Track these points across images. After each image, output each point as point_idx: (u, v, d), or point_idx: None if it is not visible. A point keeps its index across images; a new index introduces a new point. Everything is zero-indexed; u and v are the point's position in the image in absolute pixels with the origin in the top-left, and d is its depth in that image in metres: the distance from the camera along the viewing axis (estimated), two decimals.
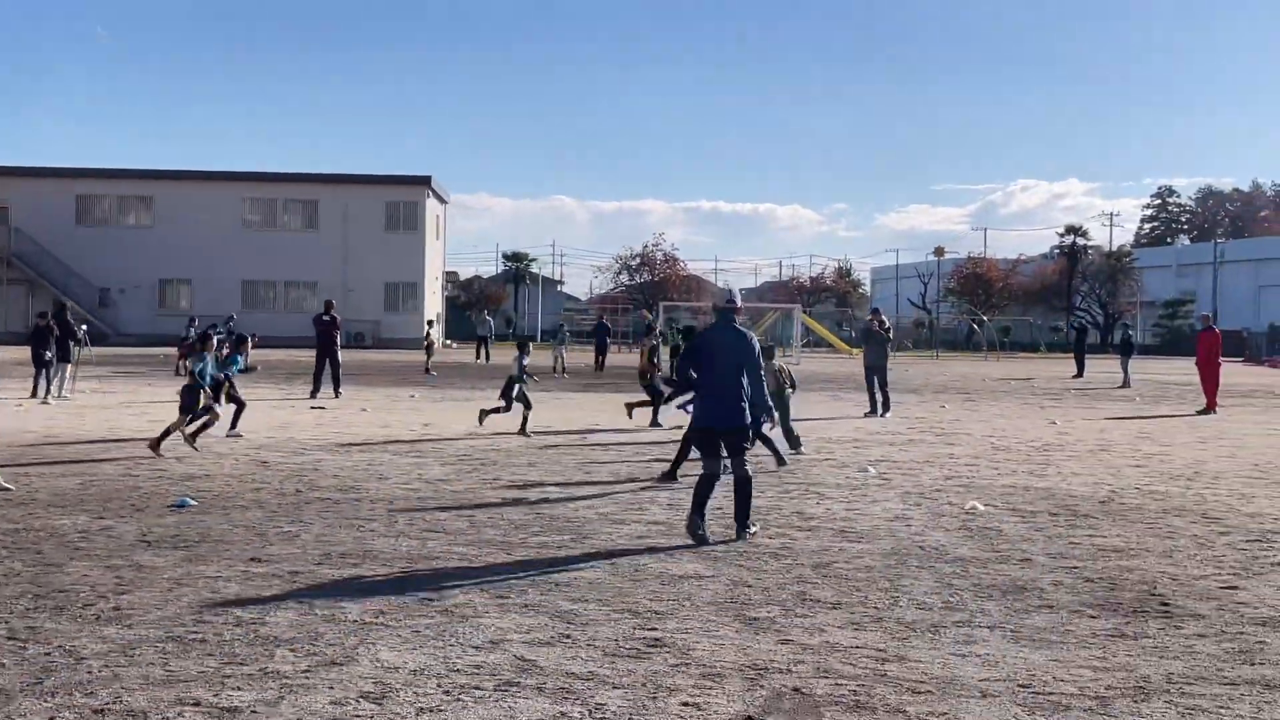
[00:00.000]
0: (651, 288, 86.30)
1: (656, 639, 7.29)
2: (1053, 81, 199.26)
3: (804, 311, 70.29)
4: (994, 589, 8.87)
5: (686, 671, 6.64)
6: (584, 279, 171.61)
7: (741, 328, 10.67)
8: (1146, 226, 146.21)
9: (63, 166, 68.20)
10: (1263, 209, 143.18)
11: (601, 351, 44.54)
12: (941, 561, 9.83)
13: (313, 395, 26.45)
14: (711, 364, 10.50)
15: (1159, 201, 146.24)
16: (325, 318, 27.34)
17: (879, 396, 25.07)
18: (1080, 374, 45.04)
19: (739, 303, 10.74)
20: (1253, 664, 7.03)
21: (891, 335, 26.64)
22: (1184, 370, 54.39)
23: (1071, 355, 49.13)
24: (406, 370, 40.21)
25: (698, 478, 10.58)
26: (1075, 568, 9.68)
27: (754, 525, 10.68)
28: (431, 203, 70.83)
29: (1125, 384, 37.90)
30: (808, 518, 11.88)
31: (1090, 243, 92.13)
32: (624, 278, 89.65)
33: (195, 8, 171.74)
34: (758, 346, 10.62)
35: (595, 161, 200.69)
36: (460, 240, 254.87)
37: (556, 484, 13.98)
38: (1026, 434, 21.45)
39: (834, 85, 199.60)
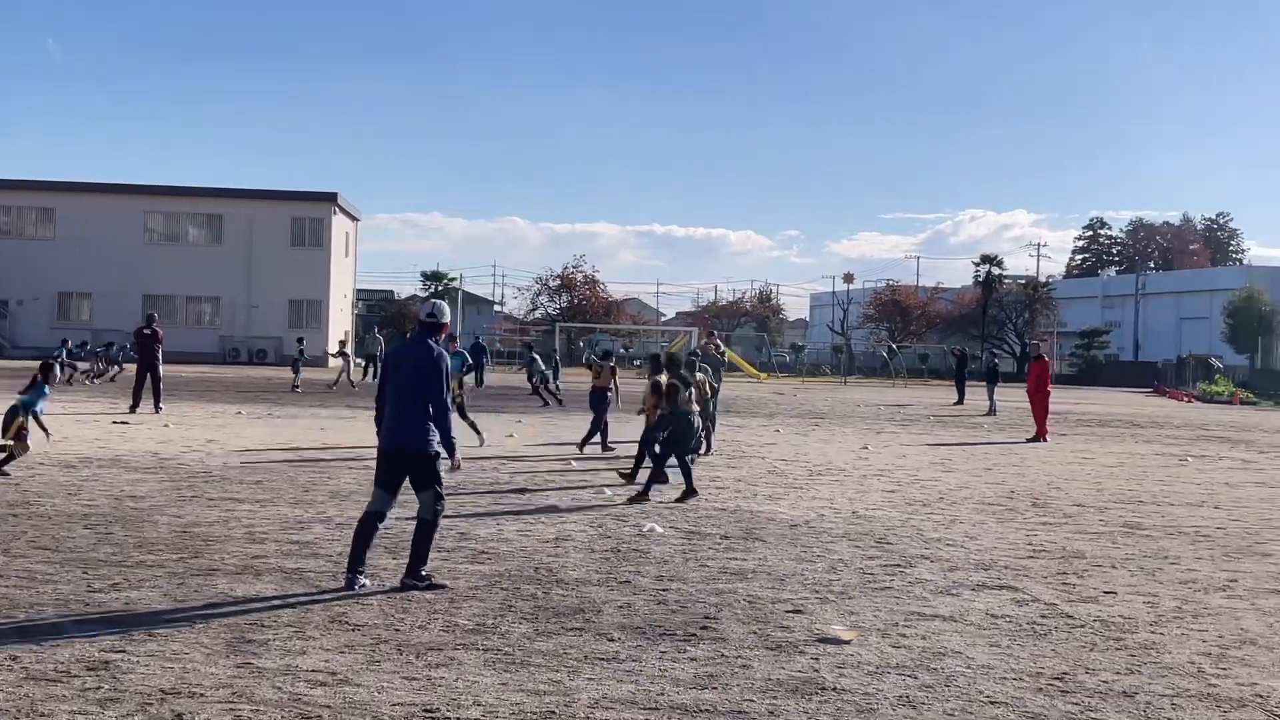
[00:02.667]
0: (571, 311, 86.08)
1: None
2: (1002, 114, 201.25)
3: (713, 335, 70.00)
4: (548, 610, 8.67)
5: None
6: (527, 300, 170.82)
7: (435, 344, 9.53)
8: (1078, 258, 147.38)
9: None
10: (1192, 242, 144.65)
11: (478, 369, 44.89)
12: (534, 583, 9.63)
13: (131, 410, 26.00)
14: (395, 381, 9.50)
15: (1090, 233, 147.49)
16: (146, 331, 26.94)
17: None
18: (960, 401, 45.14)
19: (442, 319, 9.65)
20: (712, 689, 6.85)
21: (725, 358, 26.48)
22: (1083, 400, 54.73)
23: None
24: (274, 388, 39.73)
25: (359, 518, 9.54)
26: (665, 590, 9.50)
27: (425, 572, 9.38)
28: (340, 219, 70.31)
29: (991, 411, 37.96)
30: (467, 538, 11.64)
31: (1006, 272, 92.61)
32: (543, 299, 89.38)
33: (98, 18, 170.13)
34: (446, 366, 9.49)
35: (548, 184, 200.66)
36: (402, 258, 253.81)
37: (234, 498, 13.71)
38: (824, 458, 21.34)
39: (786, 113, 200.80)
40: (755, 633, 8.24)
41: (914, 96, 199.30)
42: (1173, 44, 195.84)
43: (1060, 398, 56.74)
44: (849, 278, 76.91)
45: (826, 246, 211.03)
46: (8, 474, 14.82)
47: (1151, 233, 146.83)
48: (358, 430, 22.73)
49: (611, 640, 7.86)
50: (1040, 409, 28.07)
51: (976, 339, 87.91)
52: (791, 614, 8.86)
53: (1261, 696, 7.10)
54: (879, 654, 7.74)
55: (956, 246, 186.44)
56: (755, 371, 72.60)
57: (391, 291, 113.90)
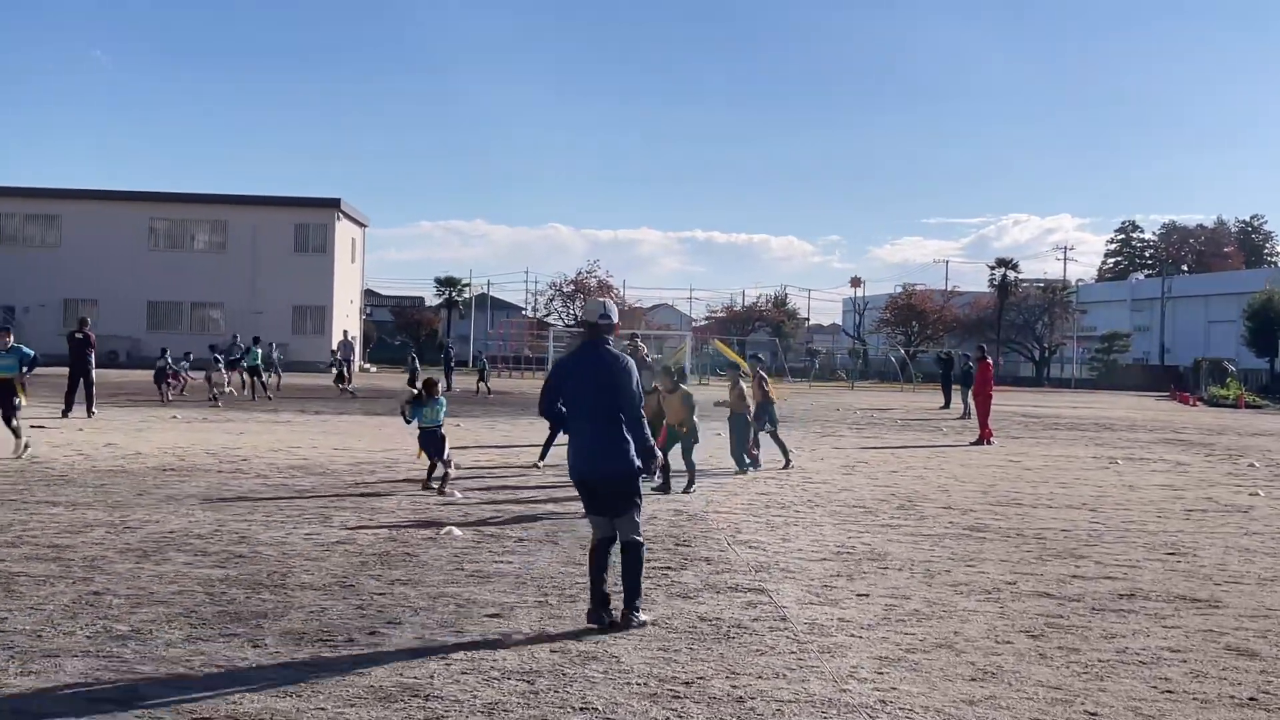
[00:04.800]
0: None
1: None
2: (1047, 116, 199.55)
3: (719, 340, 69.84)
4: (228, 616, 8.40)
5: None
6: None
7: (615, 350, 8.69)
8: (1110, 261, 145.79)
9: None
10: (1226, 245, 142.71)
11: (447, 373, 45.95)
12: (251, 588, 9.36)
13: (63, 414, 25.98)
14: (576, 398, 8.55)
15: (1122, 236, 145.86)
16: (78, 335, 26.92)
17: None
18: (947, 405, 44.51)
19: (614, 318, 8.77)
20: (295, 696, 6.56)
21: (650, 363, 26.08)
22: (1083, 404, 54.02)
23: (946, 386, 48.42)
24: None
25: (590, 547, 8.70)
26: (384, 594, 9.21)
27: (641, 611, 8.44)
28: (344, 225, 70.47)
29: (966, 414, 37.38)
30: (243, 539, 11.41)
31: (1026, 276, 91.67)
32: (556, 304, 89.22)
33: (105, 28, 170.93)
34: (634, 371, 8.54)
35: (591, 191, 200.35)
36: (443, 265, 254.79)
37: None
38: (730, 463, 20.95)
39: (828, 116, 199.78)
40: (419, 637, 7.95)
41: (955, 101, 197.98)
42: (1213, 44, 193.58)
43: (1058, 401, 56.14)
44: (856, 281, 76.21)
45: (869, 252, 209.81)
46: None
47: (1184, 236, 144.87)
48: (278, 434, 22.60)
49: (256, 647, 7.58)
50: (983, 411, 27.61)
51: (994, 342, 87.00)
52: (490, 618, 8.54)
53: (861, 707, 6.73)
54: (525, 661, 7.41)
55: (1000, 251, 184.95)
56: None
57: (422, 298, 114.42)
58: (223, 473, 16.81)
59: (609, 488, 8.42)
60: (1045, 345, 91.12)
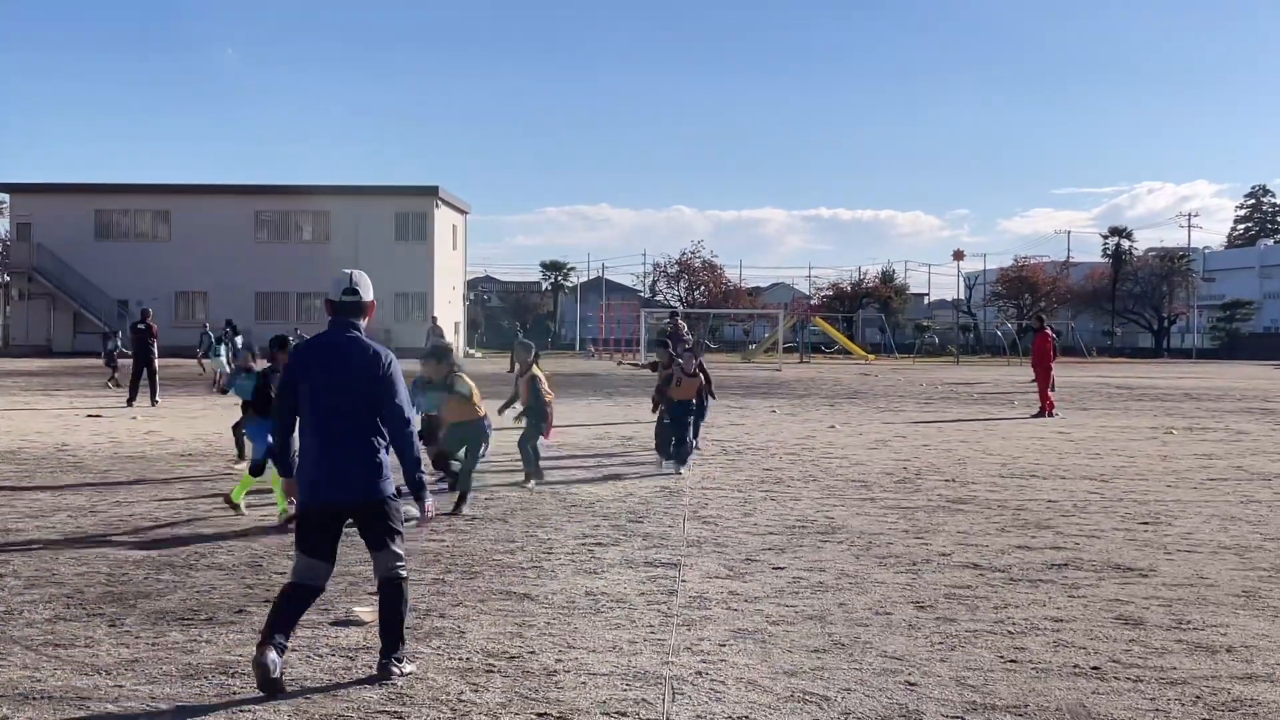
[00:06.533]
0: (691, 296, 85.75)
1: None
2: (1180, 83, 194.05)
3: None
4: (108, 596, 8.50)
5: None
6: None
7: (366, 339, 6.66)
8: (1240, 227, 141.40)
9: (82, 182, 69.88)
10: None
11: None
12: (145, 568, 9.47)
13: (128, 403, 26.63)
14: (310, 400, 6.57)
15: (1253, 202, 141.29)
16: (140, 326, 27.55)
17: None
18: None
19: (365, 295, 6.68)
20: (115, 674, 6.60)
21: (690, 341, 25.88)
22: (1188, 375, 52.53)
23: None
24: None
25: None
26: (272, 576, 9.24)
27: (406, 661, 6.60)
28: (444, 212, 71.15)
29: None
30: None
31: (1143, 245, 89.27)
32: (661, 285, 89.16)
33: (210, 24, 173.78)
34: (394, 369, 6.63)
35: (716, 171, 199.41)
36: (565, 250, 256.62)
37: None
38: (759, 438, 20.80)
39: (955, 88, 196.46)
40: (239, 615, 7.95)
41: (1084, 69, 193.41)
42: None
43: (1167, 373, 54.58)
44: (959, 255, 74.77)
45: (998, 225, 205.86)
46: None
47: None
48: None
49: (113, 626, 7.61)
50: (1042, 382, 26.98)
51: (1108, 313, 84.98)
52: (371, 594, 8.49)
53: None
54: (369, 638, 7.35)
55: (1133, 220, 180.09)
56: (863, 352, 71.34)
57: (538, 283, 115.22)
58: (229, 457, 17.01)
59: (358, 517, 6.57)
60: (1164, 315, 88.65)
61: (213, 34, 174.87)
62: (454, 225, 74.60)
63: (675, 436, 16.07)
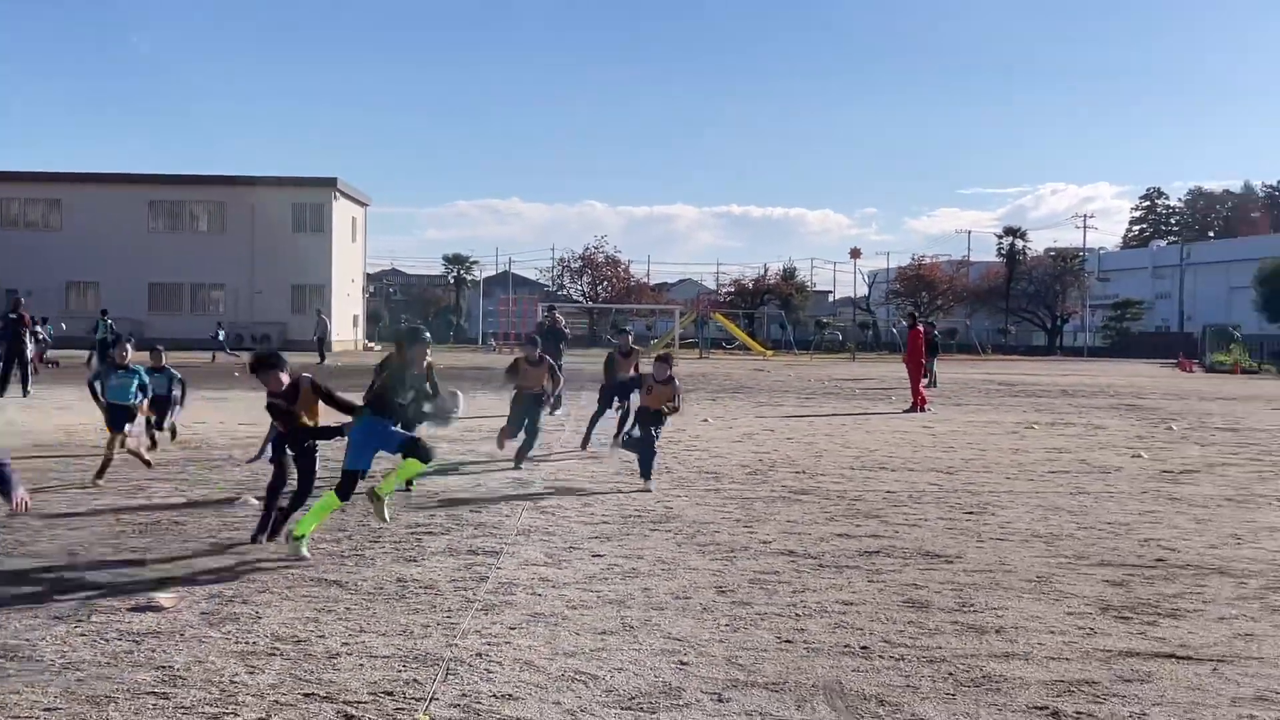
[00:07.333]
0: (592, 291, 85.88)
1: None
2: (1080, 85, 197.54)
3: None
4: None
5: None
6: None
7: None
8: (1136, 228, 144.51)
9: None
10: (1254, 210, 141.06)
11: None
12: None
13: None
14: None
15: (1148, 204, 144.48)
16: (11, 315, 27.15)
17: None
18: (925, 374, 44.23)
19: None
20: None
21: (569, 334, 26.10)
22: (1073, 372, 53.61)
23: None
24: (217, 371, 39.97)
25: None
26: (119, 559, 9.26)
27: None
28: (343, 204, 70.72)
29: (931, 383, 37.18)
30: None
31: (1039, 245, 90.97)
32: (565, 279, 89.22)
33: (107, 10, 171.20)
34: None
35: (627, 167, 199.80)
36: (475, 244, 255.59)
37: None
38: None
39: (861, 88, 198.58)
40: (102, 588, 8.00)
41: (990, 71, 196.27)
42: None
43: (1053, 370, 55.65)
44: (855, 253, 75.63)
45: (905, 224, 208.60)
46: None
47: (1211, 201, 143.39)
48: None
49: None
50: (914, 378, 27.53)
51: (1003, 311, 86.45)
52: (172, 579, 8.55)
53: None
54: (161, 623, 7.41)
55: (1037, 220, 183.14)
56: (762, 349, 71.96)
57: (443, 276, 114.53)
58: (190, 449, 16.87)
59: None
60: (1057, 314, 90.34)
61: (111, 20, 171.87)
62: (354, 218, 74.12)
63: (641, 453, 14.37)
